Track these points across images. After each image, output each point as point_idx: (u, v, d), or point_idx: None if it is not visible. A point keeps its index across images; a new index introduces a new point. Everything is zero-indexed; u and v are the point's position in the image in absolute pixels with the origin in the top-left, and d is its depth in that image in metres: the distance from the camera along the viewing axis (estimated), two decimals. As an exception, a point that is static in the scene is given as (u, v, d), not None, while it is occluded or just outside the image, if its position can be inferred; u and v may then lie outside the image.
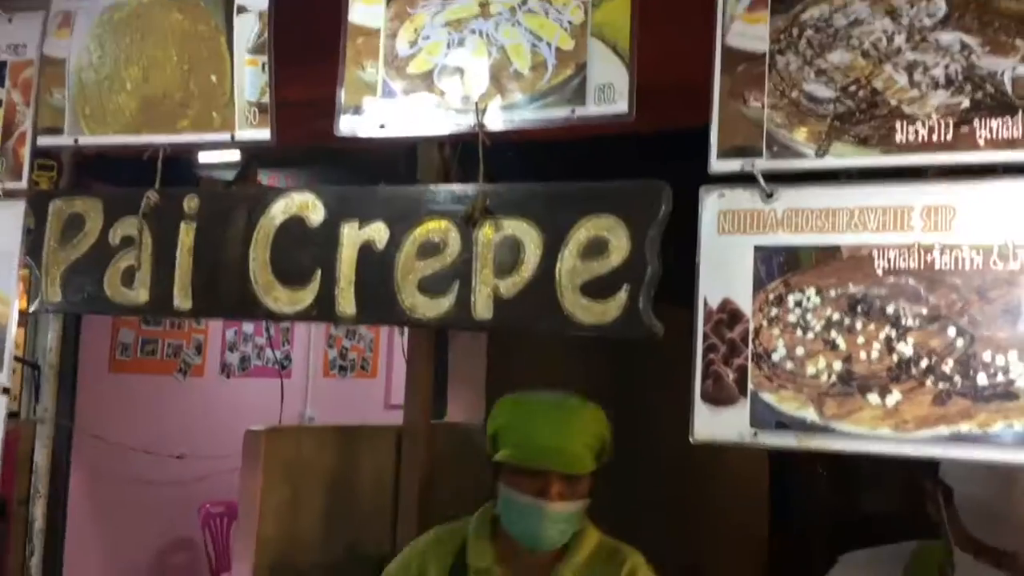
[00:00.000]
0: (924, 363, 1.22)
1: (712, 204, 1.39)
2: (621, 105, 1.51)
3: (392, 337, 7.03)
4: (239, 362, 6.11)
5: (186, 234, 1.83)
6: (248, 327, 6.16)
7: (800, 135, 1.33)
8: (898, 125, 1.27)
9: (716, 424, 1.33)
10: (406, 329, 4.05)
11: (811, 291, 1.31)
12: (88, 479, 5.03)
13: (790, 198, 1.34)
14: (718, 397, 1.32)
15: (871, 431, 1.23)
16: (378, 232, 1.68)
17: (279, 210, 1.77)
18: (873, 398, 1.24)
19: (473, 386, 4.36)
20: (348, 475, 3.83)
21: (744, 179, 1.37)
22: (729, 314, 1.34)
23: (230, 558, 4.86)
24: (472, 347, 4.34)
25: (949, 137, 1.25)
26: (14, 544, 3.89)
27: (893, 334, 1.25)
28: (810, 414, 1.27)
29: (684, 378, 1.36)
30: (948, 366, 1.21)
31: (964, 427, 1.19)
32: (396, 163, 3.20)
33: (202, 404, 5.76)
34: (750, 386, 1.30)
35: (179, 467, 5.49)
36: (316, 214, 1.74)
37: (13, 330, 1.97)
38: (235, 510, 3.86)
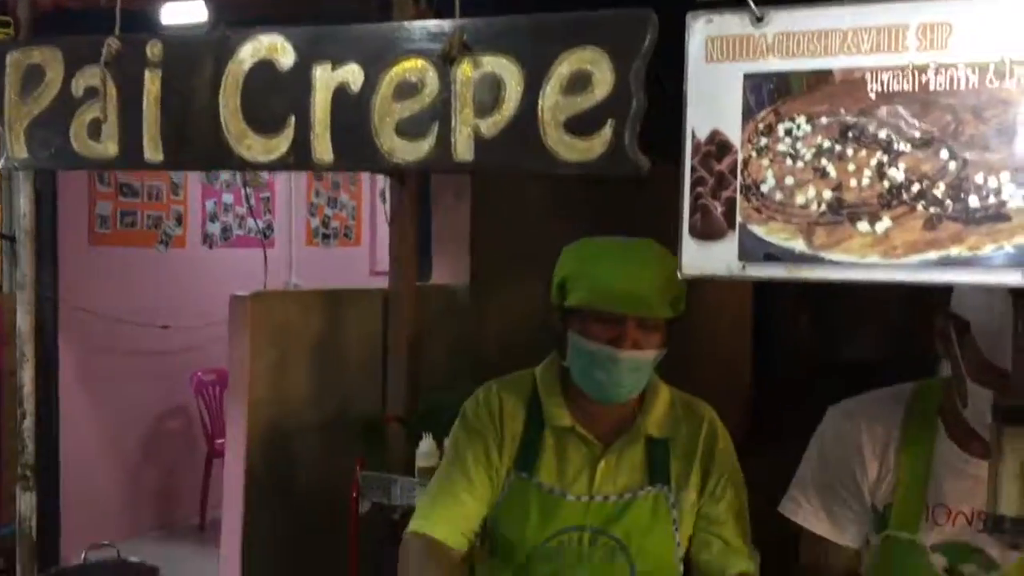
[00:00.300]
0: (915, 188, 1.20)
1: (699, 31, 1.32)
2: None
3: (374, 205, 6.98)
4: (221, 232, 6.06)
5: (151, 83, 1.75)
6: (228, 197, 6.08)
7: (792, -47, 1.26)
8: (893, -61, 1.21)
9: (704, 258, 1.31)
10: (387, 194, 4.00)
11: (801, 119, 1.26)
12: (77, 351, 5.05)
13: (781, 21, 1.28)
14: (706, 231, 1.30)
15: (860, 259, 1.22)
16: (352, 74, 1.62)
17: (247, 54, 1.69)
18: (863, 226, 1.22)
19: (458, 247, 4.35)
20: (336, 338, 3.85)
21: (733, 3, 1.30)
22: (718, 145, 1.30)
23: (224, 424, 4.96)
24: (455, 208, 4.31)
25: (947, -50, 1.19)
26: (6, 415, 3.94)
27: (884, 160, 1.21)
28: (799, 244, 1.25)
29: (672, 229, 1.32)
30: (939, 190, 1.19)
31: (954, 251, 1.17)
32: (369, 17, 3.09)
33: (186, 275, 5.75)
34: (738, 218, 1.28)
35: (167, 337, 5.52)
36: (286, 57, 1.67)
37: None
38: (226, 378, 3.89)
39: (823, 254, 1.23)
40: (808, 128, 1.26)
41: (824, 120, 1.25)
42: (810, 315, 4.12)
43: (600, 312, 1.66)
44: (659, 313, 1.66)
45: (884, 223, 1.21)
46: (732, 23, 1.31)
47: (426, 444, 3.14)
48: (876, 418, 1.67)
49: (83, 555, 2.23)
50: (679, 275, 1.35)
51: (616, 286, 1.65)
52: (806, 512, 1.72)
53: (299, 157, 1.65)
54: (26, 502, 1.90)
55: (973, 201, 1.17)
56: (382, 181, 5.56)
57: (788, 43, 1.27)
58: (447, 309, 4.22)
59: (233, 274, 5.35)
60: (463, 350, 4.14)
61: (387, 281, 3.80)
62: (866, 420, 1.68)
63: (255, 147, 1.68)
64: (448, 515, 1.72)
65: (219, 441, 5.29)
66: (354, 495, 3.25)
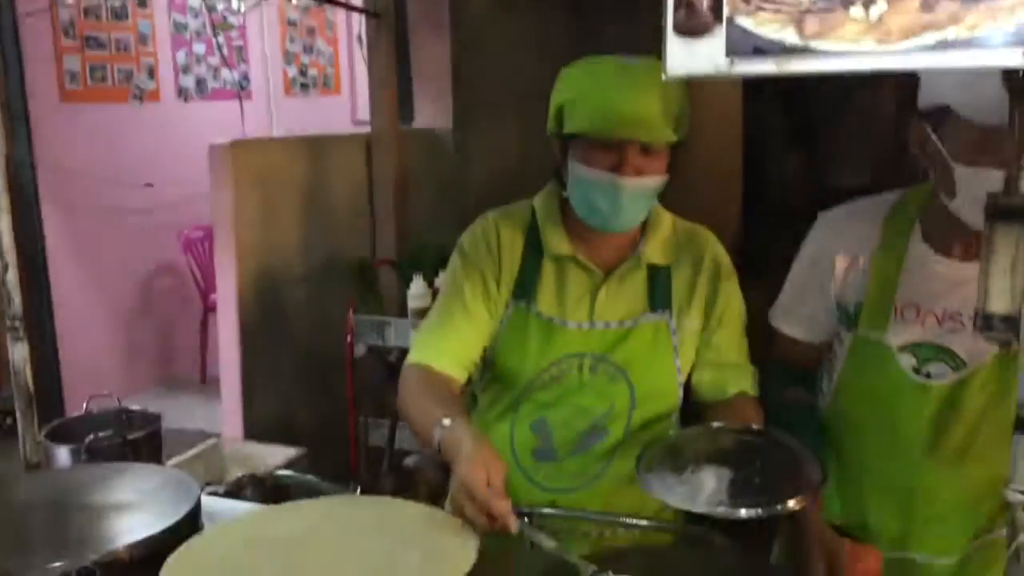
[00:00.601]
0: (913, -33, 1.13)
1: None
2: None
3: (352, 52, 6.77)
4: (195, 85, 5.89)
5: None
6: (199, 47, 5.88)
7: None
8: None
9: (690, 56, 1.25)
10: (364, 38, 3.86)
11: (793, -101, 1.18)
12: (60, 213, 5.00)
13: None
14: (691, 27, 1.23)
15: (854, 46, 1.16)
16: None
17: None
18: (856, 11, 1.16)
19: (439, 89, 4.23)
20: (321, 186, 3.80)
21: None
22: (705, -68, 1.22)
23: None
24: (435, 46, 4.17)
25: None
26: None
27: (880, -61, 1.14)
28: (789, 35, 1.18)
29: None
30: (938, -31, 1.12)
31: (951, 32, 1.11)
32: None
33: (163, 130, 5.63)
34: (725, 11, 1.21)
35: (150, 196, 5.46)
36: None
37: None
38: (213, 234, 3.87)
39: (814, 44, 1.17)
40: (799, -91, 1.18)
41: (816, -100, 1.17)
42: (801, 144, 4.07)
43: (600, 138, 1.60)
44: (662, 137, 1.60)
45: (879, 7, 1.15)
46: None
47: (417, 285, 3.15)
48: (857, 220, 1.70)
49: (84, 405, 2.25)
50: (663, 76, 1.29)
51: (617, 110, 1.57)
52: (782, 313, 1.81)
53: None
54: (18, 352, 1.89)
55: (973, -22, 1.10)
56: (358, 25, 5.37)
57: None
58: (431, 153, 4.15)
59: (212, 128, 5.24)
60: (449, 194, 4.10)
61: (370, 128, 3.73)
62: (847, 222, 1.71)
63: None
64: (447, 346, 1.70)
65: (213, 297, 5.31)
66: (348, 339, 3.29)
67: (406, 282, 3.21)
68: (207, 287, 5.69)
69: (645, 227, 1.74)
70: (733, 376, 1.76)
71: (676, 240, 1.76)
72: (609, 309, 1.71)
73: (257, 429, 3.56)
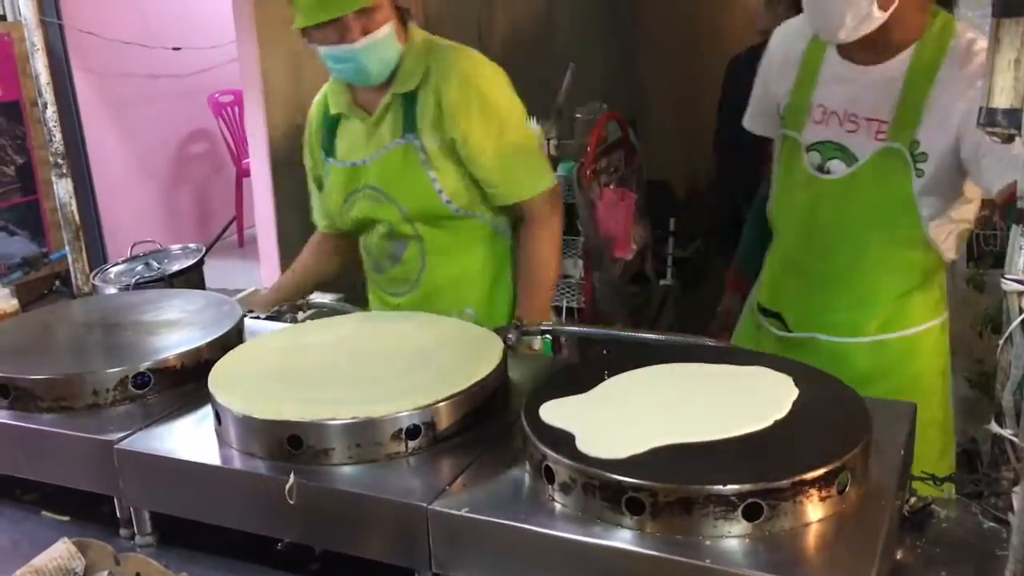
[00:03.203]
0: None
1: None
2: None
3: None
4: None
5: None
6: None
7: None
8: None
9: None
10: None
11: None
12: (91, 77, 5.03)
13: None
14: None
15: None
16: None
17: None
18: None
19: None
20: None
21: None
22: None
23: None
24: None
25: None
26: (35, 143, 3.99)
27: None
28: None
29: None
30: None
31: None
32: None
33: (189, -9, 5.59)
34: None
35: (180, 59, 5.47)
36: None
37: None
38: (243, 98, 3.89)
39: None
40: None
41: None
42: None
43: (314, 25, 1.77)
44: (348, 8, 1.73)
45: None
46: None
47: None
48: (798, 28, 1.82)
49: (129, 250, 2.35)
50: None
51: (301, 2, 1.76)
52: (749, 116, 1.99)
53: None
54: (63, 187, 1.96)
55: None
56: None
57: None
58: (455, 2, 4.10)
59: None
60: (473, 36, 4.07)
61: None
62: (793, 29, 1.86)
63: None
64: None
65: (246, 161, 5.37)
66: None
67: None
68: (239, 153, 5.76)
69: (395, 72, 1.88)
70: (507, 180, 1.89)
71: (425, 61, 1.86)
72: (373, 145, 1.92)
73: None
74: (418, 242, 1.94)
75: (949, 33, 1.62)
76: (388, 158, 1.90)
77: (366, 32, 1.78)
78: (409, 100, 1.87)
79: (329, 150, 2.00)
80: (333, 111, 1.98)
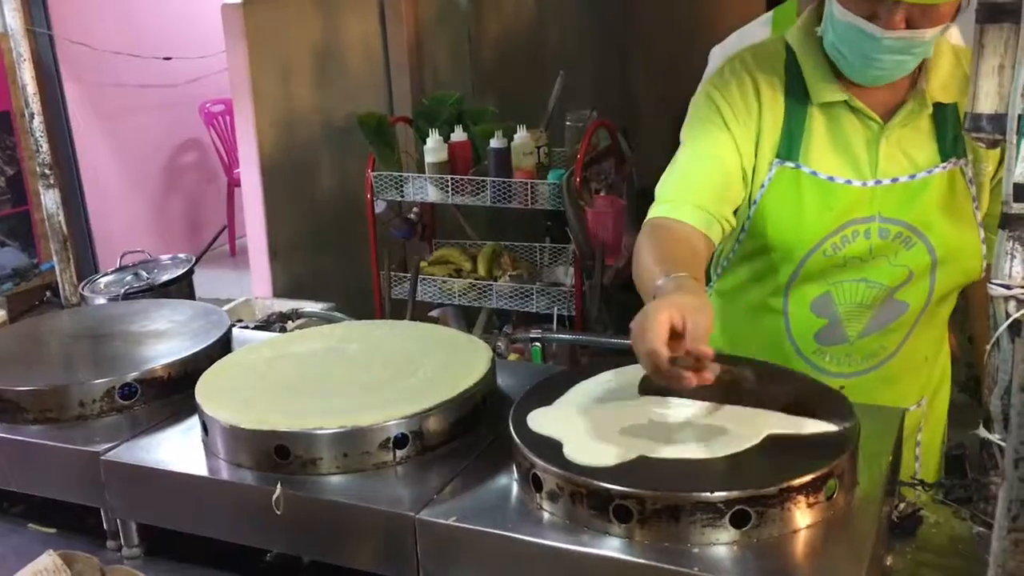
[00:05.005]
0: None
1: None
2: None
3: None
4: (207, -46, 5.80)
5: None
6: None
7: None
8: None
9: None
10: None
11: None
12: (82, 87, 5.02)
13: None
14: None
15: None
16: None
17: None
18: None
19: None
20: (336, 44, 3.80)
21: None
22: None
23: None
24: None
25: None
26: (25, 154, 3.98)
27: None
28: None
29: None
30: None
31: None
32: None
33: (178, 2, 5.58)
34: None
35: (170, 69, 5.46)
36: None
37: None
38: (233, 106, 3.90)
39: None
40: None
41: None
42: None
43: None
44: None
45: None
46: None
47: (433, 140, 3.19)
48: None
49: (119, 260, 2.34)
50: None
51: None
52: None
53: None
54: (50, 198, 1.96)
55: None
56: None
57: None
58: (444, 7, 4.12)
59: (226, -2, 5.19)
60: (463, 50, 4.08)
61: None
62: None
63: None
64: (687, 196, 1.41)
65: (237, 171, 5.37)
66: (368, 197, 3.35)
67: (422, 138, 3.24)
68: (230, 162, 5.75)
69: (923, 60, 1.43)
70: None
71: (962, 70, 1.45)
72: (895, 161, 1.45)
73: (285, 291, 3.68)
74: (920, 307, 1.52)
75: None
76: (932, 184, 1.45)
77: (911, 24, 1.33)
78: (945, 110, 1.47)
79: (790, 152, 1.48)
80: (823, 98, 1.45)
